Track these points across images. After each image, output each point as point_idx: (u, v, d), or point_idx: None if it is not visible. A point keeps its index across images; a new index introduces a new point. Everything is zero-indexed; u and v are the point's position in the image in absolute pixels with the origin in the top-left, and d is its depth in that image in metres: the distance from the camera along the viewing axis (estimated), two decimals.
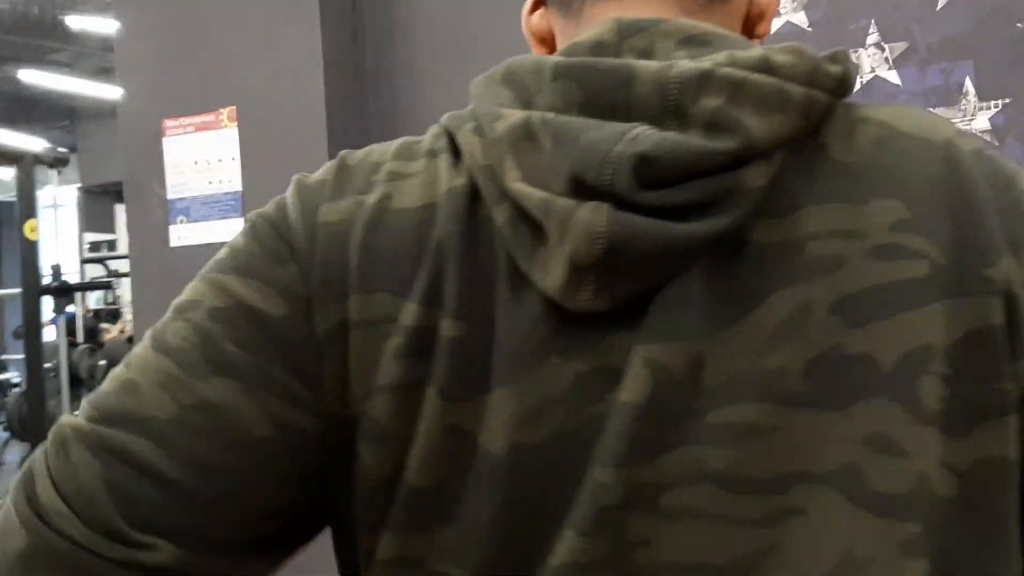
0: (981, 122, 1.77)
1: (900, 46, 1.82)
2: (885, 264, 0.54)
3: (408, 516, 0.58)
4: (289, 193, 0.64)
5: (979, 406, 0.53)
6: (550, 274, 0.54)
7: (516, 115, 0.56)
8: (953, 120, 1.78)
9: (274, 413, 0.59)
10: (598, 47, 0.59)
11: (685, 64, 0.54)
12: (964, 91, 1.79)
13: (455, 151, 0.61)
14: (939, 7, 1.80)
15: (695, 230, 0.52)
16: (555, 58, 0.58)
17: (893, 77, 1.83)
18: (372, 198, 0.61)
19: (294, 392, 0.59)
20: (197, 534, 0.58)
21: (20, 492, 0.58)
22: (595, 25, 0.60)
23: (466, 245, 0.57)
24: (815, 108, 0.55)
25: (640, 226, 0.52)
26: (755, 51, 0.55)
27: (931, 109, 1.80)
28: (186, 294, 0.63)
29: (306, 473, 0.60)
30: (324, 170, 0.65)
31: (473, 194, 0.58)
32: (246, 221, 0.65)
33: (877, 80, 1.84)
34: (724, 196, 0.53)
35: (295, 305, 0.60)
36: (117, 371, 0.62)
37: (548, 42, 0.70)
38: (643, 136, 0.52)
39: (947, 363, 0.53)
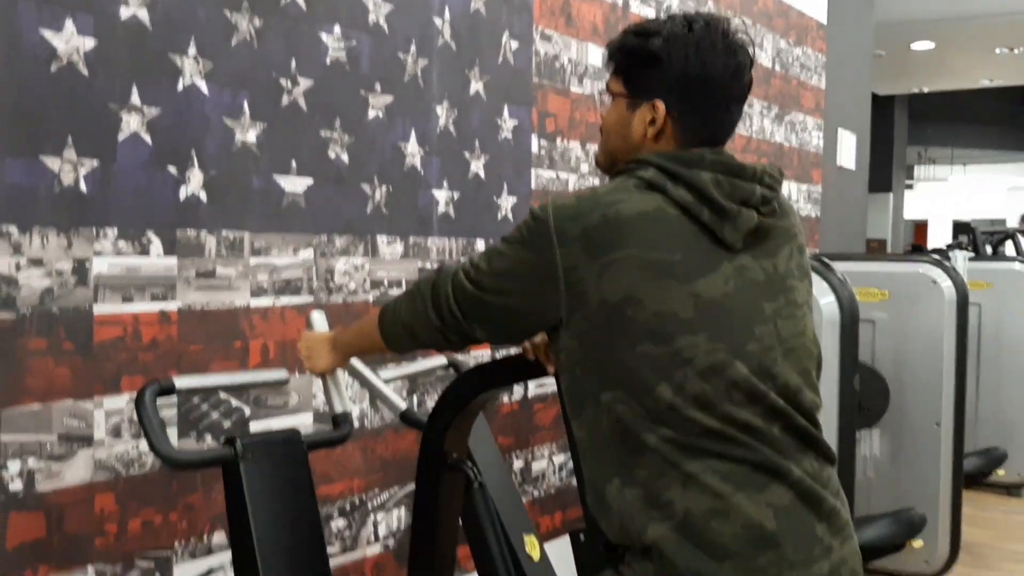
0: (251, 136, 2.41)
1: (209, 64, 2.30)
2: (801, 236, 1.56)
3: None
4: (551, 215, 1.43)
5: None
6: (730, 235, 1.41)
7: (707, 175, 1.40)
8: (233, 130, 2.36)
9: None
10: (709, 152, 1.45)
11: (760, 165, 1.47)
12: (243, 112, 2.39)
13: (647, 187, 1.41)
14: (233, 44, 2.35)
15: (773, 222, 1.48)
16: (706, 152, 1.44)
17: (203, 87, 2.29)
18: (611, 210, 1.37)
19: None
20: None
21: (450, 283, 1.55)
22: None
23: (683, 224, 1.40)
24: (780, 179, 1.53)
25: (767, 219, 1.46)
26: (766, 163, 1.50)
27: (225, 119, 2.34)
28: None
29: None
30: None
31: (681, 208, 1.39)
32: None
33: (192, 87, 2.27)
34: (775, 209, 1.50)
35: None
36: (476, 274, 1.52)
37: (659, 135, 1.49)
38: (760, 190, 1.45)
39: None
